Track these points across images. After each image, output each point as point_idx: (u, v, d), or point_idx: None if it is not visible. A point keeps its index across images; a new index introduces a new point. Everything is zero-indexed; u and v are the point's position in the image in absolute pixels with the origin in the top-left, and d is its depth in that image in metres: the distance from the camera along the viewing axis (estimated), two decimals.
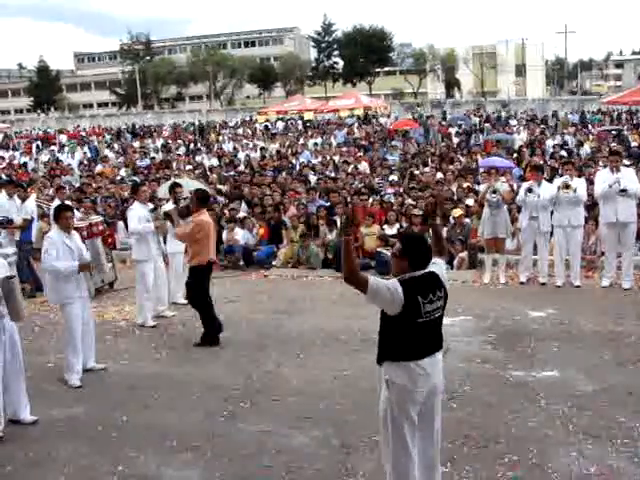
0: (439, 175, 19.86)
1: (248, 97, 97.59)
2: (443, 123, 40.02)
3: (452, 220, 14.87)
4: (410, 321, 5.22)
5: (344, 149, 28.17)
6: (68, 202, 14.06)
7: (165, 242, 12.29)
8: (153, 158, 30.01)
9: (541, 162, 19.75)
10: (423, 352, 5.33)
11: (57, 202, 14.28)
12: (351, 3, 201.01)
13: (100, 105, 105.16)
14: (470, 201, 15.57)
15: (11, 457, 7.02)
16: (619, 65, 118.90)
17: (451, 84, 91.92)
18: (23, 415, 7.76)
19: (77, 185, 22.35)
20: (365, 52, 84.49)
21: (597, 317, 10.59)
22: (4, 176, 24.33)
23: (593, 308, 11.11)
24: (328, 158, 25.05)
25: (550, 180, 13.79)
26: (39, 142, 43.23)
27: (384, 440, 5.48)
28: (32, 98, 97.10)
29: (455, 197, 16.52)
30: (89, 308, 9.30)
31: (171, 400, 8.24)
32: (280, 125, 44.50)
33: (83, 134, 47.70)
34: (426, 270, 5.37)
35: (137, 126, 53.21)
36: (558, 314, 10.84)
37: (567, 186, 12.02)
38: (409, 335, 5.25)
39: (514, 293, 12.20)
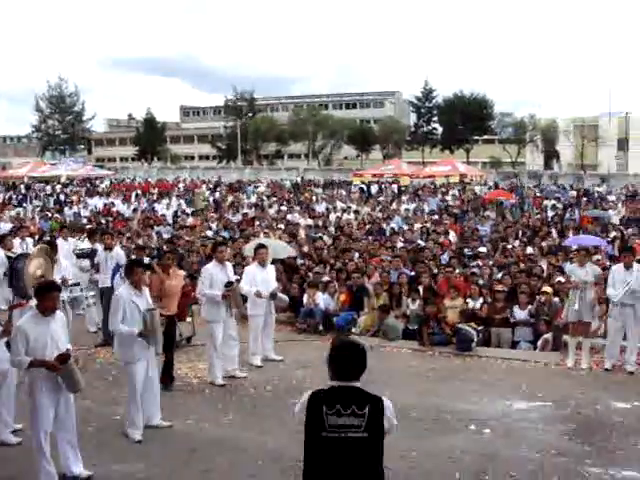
0: (529, 250, 19.41)
1: (346, 158, 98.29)
2: (538, 194, 39.37)
3: (541, 298, 14.39)
4: (313, 433, 4.79)
5: (435, 217, 27.88)
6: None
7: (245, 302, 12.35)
8: (245, 214, 30.31)
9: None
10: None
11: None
12: (453, 70, 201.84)
13: (201, 158, 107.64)
14: (560, 279, 15.04)
15: None
16: None
17: (550, 155, 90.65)
18: (76, 470, 7.73)
19: (167, 236, 22.71)
20: (464, 119, 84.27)
21: None
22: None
23: None
24: (419, 225, 24.76)
25: None
26: (138, 191, 44.45)
27: None
28: (137, 147, 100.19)
29: (544, 274, 16.06)
30: (155, 367, 9.34)
31: (231, 467, 8.11)
32: (375, 188, 44.58)
33: (181, 186, 48.81)
34: (351, 383, 4.87)
35: (235, 180, 54.14)
36: None
37: None
38: (313, 451, 4.81)
39: (598, 380, 11.63)
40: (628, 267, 12.06)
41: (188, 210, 33.13)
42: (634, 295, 11.81)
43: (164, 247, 18.44)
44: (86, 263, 14.67)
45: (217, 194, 42.85)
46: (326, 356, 4.99)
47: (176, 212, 32.56)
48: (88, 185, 49.02)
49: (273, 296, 12.22)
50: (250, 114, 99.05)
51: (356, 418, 4.74)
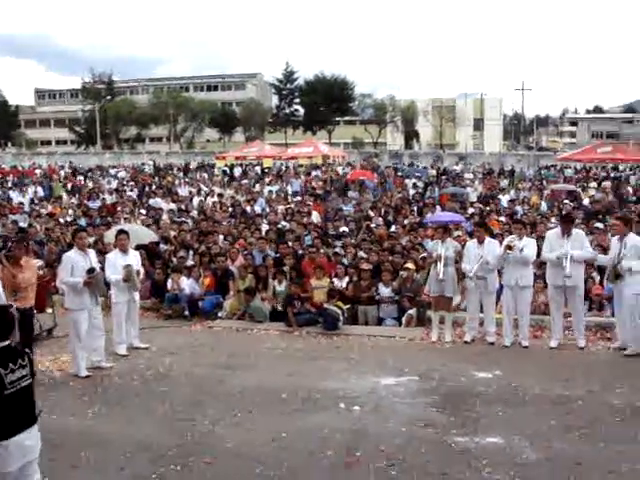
0: (392, 228, 19.76)
1: (208, 141, 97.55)
2: (400, 174, 40.17)
3: (403, 274, 14.66)
4: None
5: (298, 198, 27.99)
6: None
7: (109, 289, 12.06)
8: (104, 199, 29.51)
9: (496, 218, 19.87)
10: (16, 428, 5.48)
11: None
12: (314, 52, 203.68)
13: (58, 143, 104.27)
14: (420, 256, 15.38)
15: None
16: (574, 123, 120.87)
17: (410, 135, 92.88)
18: None
19: (24, 225, 21.78)
20: (326, 101, 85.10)
21: (544, 380, 10.37)
22: None
23: (541, 370, 10.90)
24: (282, 207, 24.81)
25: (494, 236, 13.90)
26: None
27: None
28: None
29: (405, 251, 16.38)
30: None
31: (99, 460, 7.83)
32: (238, 171, 44.35)
33: (38, 172, 47.07)
34: (6, 342, 5.58)
35: (94, 165, 52.70)
36: (505, 376, 10.62)
37: (509, 247, 11.97)
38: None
39: (461, 352, 11.98)
40: (480, 242, 12.51)
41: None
42: (487, 268, 12.26)
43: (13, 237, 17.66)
44: None
45: (76, 179, 41.59)
46: None
47: (32, 199, 31.38)
48: None
49: (127, 268, 11.84)
50: (109, 97, 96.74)
51: (24, 369, 5.59)
